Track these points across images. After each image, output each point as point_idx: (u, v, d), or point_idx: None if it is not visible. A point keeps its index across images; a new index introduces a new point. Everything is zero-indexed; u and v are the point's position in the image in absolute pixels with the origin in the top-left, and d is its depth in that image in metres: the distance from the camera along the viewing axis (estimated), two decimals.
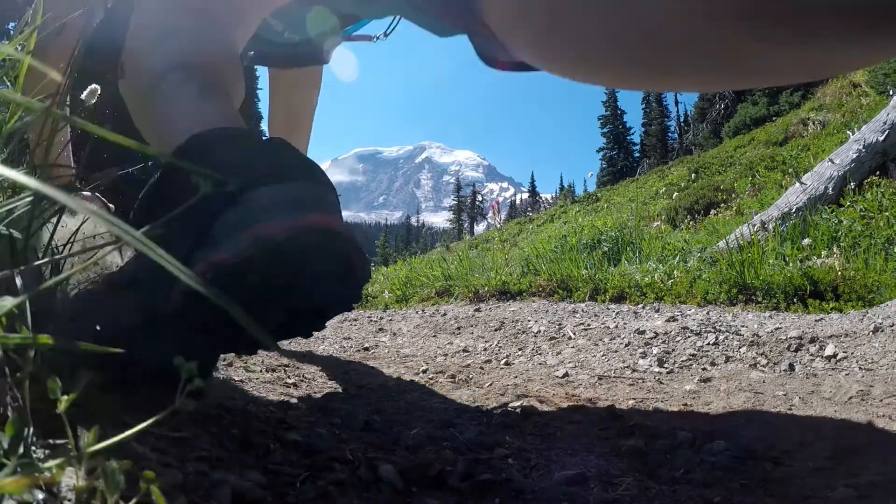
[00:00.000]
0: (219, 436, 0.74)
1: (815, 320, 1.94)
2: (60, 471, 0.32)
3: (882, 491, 0.75)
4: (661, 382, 1.34)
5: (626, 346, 1.78)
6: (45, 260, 0.61)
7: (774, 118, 15.20)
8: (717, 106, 29.16)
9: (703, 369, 1.43)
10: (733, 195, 7.11)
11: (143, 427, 0.38)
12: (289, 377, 1.36)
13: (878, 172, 4.63)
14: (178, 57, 0.90)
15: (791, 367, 1.35)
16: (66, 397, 0.35)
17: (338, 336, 2.34)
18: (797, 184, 4.52)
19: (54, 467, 0.32)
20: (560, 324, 2.24)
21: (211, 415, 0.79)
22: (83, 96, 0.73)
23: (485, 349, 1.93)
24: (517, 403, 1.14)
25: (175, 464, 0.57)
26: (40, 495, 0.33)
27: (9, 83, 0.59)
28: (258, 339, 0.36)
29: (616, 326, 2.10)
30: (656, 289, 2.82)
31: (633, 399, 1.22)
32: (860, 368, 1.29)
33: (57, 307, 0.65)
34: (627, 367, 1.52)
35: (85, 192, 1.08)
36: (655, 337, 1.88)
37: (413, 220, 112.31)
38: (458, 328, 2.37)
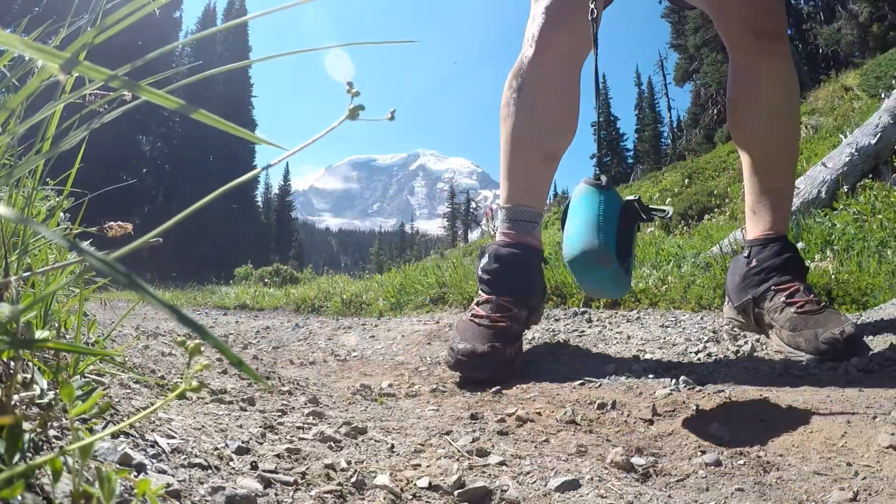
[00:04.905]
0: (214, 442, 0.74)
1: None
2: (56, 476, 0.32)
3: (877, 493, 0.75)
4: (654, 387, 1.34)
5: (621, 350, 1.79)
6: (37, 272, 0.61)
7: None
8: (710, 111, 29.32)
9: (698, 374, 1.43)
10: (727, 200, 7.15)
11: (142, 416, 0.38)
12: (283, 385, 1.36)
13: (870, 175, 4.66)
14: None
15: (786, 370, 1.36)
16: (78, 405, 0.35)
17: (332, 343, 2.33)
18: None
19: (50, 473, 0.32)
20: (555, 330, 2.24)
21: (207, 419, 0.79)
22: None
23: None
24: (511, 410, 1.15)
25: (170, 471, 0.57)
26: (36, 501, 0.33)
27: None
28: None
29: (610, 332, 2.10)
30: (650, 294, 2.82)
31: (625, 404, 1.23)
32: (857, 371, 1.29)
33: None
34: (622, 373, 1.52)
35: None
36: (647, 342, 1.88)
37: (407, 228, 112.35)
38: None
